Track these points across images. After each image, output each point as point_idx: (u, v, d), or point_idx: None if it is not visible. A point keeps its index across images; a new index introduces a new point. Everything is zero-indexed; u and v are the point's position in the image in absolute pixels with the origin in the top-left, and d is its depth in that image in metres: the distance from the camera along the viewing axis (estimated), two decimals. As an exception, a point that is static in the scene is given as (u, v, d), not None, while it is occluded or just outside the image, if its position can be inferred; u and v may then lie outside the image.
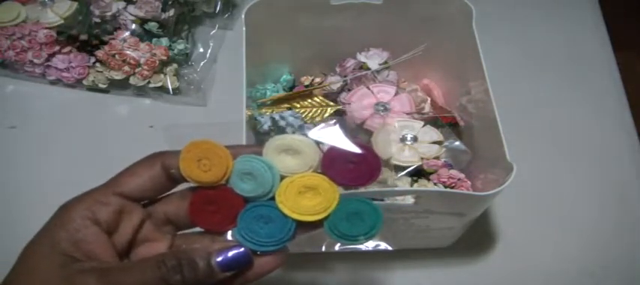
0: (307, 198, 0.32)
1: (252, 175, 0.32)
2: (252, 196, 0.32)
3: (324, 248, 0.40)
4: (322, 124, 0.33)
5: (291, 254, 0.55)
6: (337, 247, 0.35)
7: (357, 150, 0.32)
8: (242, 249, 0.31)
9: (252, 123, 0.50)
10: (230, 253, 0.31)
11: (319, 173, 0.32)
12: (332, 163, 0.32)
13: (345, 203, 0.32)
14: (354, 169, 0.32)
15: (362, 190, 0.44)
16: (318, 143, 0.32)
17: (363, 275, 0.55)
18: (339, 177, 0.32)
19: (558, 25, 0.74)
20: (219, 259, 0.31)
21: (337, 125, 0.33)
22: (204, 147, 0.31)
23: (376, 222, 0.32)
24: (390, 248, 0.37)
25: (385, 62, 0.58)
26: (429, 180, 0.50)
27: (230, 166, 0.32)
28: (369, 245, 0.33)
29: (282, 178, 0.32)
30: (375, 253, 0.56)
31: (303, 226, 0.32)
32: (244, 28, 0.50)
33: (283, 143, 0.32)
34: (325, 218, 0.32)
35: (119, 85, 0.66)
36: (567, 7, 0.76)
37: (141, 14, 0.66)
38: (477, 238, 0.57)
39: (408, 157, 0.50)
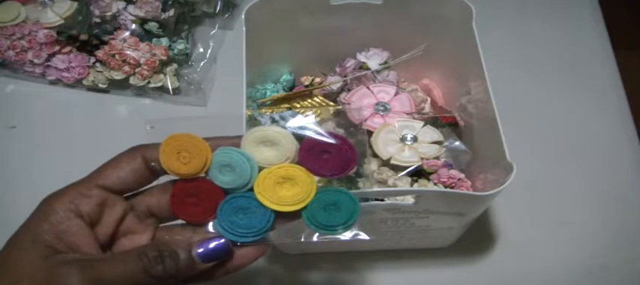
0: (285, 188, 0.32)
1: (231, 167, 0.32)
2: (232, 188, 0.33)
3: (302, 238, 0.40)
4: (299, 116, 0.33)
5: (293, 255, 0.55)
6: (315, 238, 0.36)
7: (332, 141, 0.32)
8: (222, 240, 0.32)
9: (252, 123, 0.50)
10: (211, 245, 0.32)
11: (296, 164, 0.33)
12: (308, 154, 0.33)
13: (323, 194, 0.32)
14: (329, 160, 0.33)
15: (362, 189, 0.44)
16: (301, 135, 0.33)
17: (363, 275, 0.55)
18: (316, 167, 0.33)
19: (558, 25, 0.74)
20: (200, 250, 0.31)
21: (312, 117, 0.33)
22: (183, 139, 0.32)
23: (354, 212, 0.32)
24: (367, 238, 0.38)
25: (385, 62, 0.58)
26: (429, 180, 0.50)
27: (209, 158, 0.32)
28: (347, 235, 0.34)
29: (261, 169, 0.33)
30: (375, 253, 0.56)
31: (281, 216, 0.33)
32: (244, 28, 0.50)
33: (261, 135, 0.33)
34: (303, 208, 0.32)
35: (119, 85, 0.66)
36: (567, 7, 0.76)
37: (141, 14, 0.66)
38: (477, 238, 0.57)
39: (408, 157, 0.50)
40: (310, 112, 0.34)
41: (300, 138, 0.33)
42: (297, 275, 0.55)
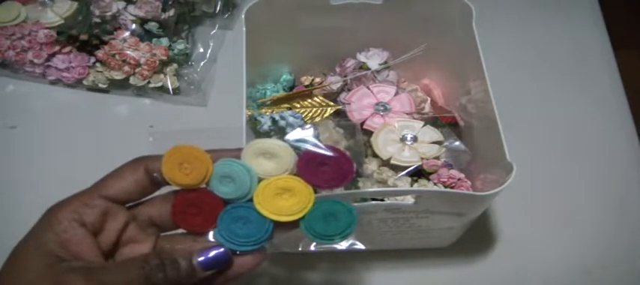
0: (284, 199, 0.33)
1: (232, 178, 0.33)
2: (232, 198, 0.33)
3: (300, 248, 0.41)
4: (298, 129, 0.34)
5: (292, 255, 0.55)
6: (313, 247, 0.36)
7: (330, 153, 0.33)
8: (222, 249, 0.33)
9: (253, 123, 0.50)
10: (211, 253, 0.32)
11: (295, 175, 0.33)
12: (307, 165, 0.33)
13: (321, 204, 0.33)
14: (327, 172, 0.33)
15: (362, 189, 0.44)
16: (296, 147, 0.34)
17: (363, 275, 0.55)
18: (314, 179, 0.33)
19: (558, 25, 0.74)
20: (201, 258, 0.32)
21: (312, 129, 0.34)
22: (185, 151, 0.33)
23: (351, 222, 0.33)
24: (363, 247, 0.38)
25: (385, 62, 0.58)
26: (429, 180, 0.50)
27: (210, 170, 0.33)
28: (344, 245, 0.35)
29: (260, 180, 0.33)
30: (375, 253, 0.56)
31: (280, 226, 0.33)
32: (244, 28, 0.50)
33: (261, 147, 0.33)
34: (301, 219, 0.33)
35: (119, 85, 0.66)
36: (567, 7, 0.76)
37: (141, 14, 0.66)
38: (477, 238, 0.57)
39: (408, 157, 0.50)
40: (307, 126, 0.35)
41: (298, 150, 0.34)
42: (297, 275, 0.55)
